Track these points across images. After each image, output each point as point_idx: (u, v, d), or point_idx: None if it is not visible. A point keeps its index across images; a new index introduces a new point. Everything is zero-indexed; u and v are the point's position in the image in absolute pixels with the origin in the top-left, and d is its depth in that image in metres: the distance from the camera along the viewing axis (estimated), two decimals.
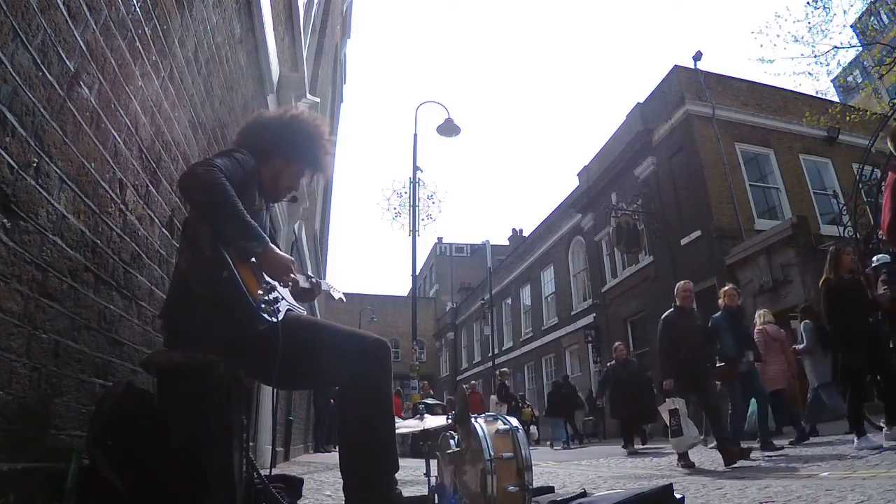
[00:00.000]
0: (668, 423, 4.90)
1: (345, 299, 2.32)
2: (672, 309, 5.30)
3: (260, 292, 1.57)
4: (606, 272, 16.38)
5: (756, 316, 7.22)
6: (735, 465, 4.42)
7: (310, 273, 2.05)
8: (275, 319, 1.55)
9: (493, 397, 11.52)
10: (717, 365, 5.53)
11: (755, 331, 7.02)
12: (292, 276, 1.71)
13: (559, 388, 13.12)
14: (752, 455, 4.80)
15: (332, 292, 2.27)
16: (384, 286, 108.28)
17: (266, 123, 1.87)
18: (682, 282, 5.49)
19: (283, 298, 1.72)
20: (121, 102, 1.67)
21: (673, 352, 5.07)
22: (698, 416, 6.90)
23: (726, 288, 5.93)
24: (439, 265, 42.11)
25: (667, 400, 4.99)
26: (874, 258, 6.31)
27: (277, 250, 1.64)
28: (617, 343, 9.65)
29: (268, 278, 1.67)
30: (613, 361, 9.13)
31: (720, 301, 5.81)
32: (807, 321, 6.80)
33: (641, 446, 8.47)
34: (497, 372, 13.12)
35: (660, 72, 45.48)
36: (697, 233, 12.25)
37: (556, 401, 12.31)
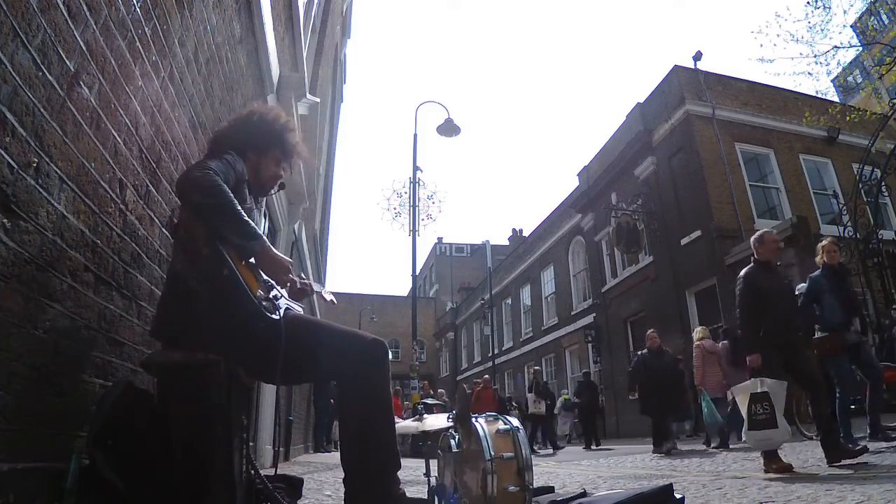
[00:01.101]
0: (746, 412, 3.80)
1: (336, 302, 2.35)
2: (753, 264, 4.22)
3: (260, 291, 1.58)
4: (606, 272, 16.39)
5: (694, 332, 8.15)
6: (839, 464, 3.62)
7: (301, 274, 2.06)
8: (276, 316, 1.56)
9: (531, 395, 11.47)
10: (818, 336, 4.60)
11: (693, 346, 7.80)
12: (290, 276, 1.72)
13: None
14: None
15: (324, 294, 2.29)
16: (384, 286, 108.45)
17: (230, 127, 1.90)
18: (767, 231, 4.40)
19: (282, 296, 1.73)
20: (121, 102, 1.67)
21: (759, 318, 3.96)
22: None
23: (824, 243, 4.91)
24: (439, 265, 42.13)
25: (751, 380, 3.90)
26: (798, 286, 6.76)
27: (274, 250, 1.65)
28: (650, 330, 8.29)
29: (266, 277, 1.68)
30: (645, 350, 7.98)
31: (818, 258, 4.87)
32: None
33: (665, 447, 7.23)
34: (532, 370, 13.19)
35: (660, 72, 45.51)
36: (697, 233, 12.26)
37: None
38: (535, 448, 11.37)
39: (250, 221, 1.55)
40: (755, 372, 3.88)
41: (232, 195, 1.51)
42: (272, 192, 2.03)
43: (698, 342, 7.81)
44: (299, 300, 1.93)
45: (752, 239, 4.33)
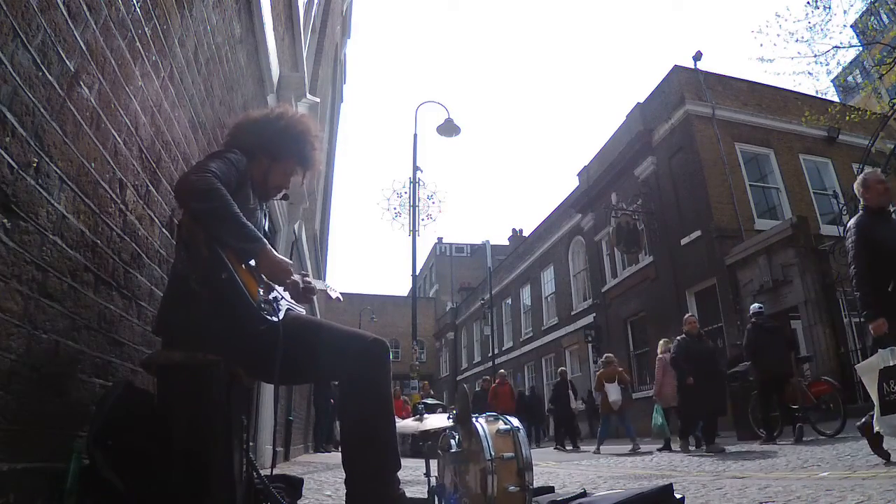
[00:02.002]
0: (877, 393, 3.10)
1: (342, 298, 2.33)
2: (862, 212, 3.65)
3: (260, 293, 1.58)
4: (606, 272, 16.38)
5: (659, 344, 8.45)
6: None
7: (303, 271, 2.05)
8: (275, 319, 1.55)
9: (571, 393, 11.37)
10: None
11: (656, 359, 8.20)
12: (292, 278, 1.71)
13: (522, 398, 13.61)
14: None
15: (329, 291, 2.28)
16: (384, 286, 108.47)
17: (253, 122, 1.87)
18: (868, 172, 3.83)
19: (282, 298, 1.72)
20: (121, 102, 1.67)
21: (880, 275, 3.32)
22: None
23: None
24: (439, 265, 42.12)
25: (878, 353, 3.19)
26: (753, 305, 7.58)
27: (275, 252, 1.64)
28: (688, 315, 7.44)
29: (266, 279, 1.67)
30: (684, 336, 7.03)
31: None
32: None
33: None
34: (559, 371, 13.00)
35: (660, 72, 45.55)
36: (697, 233, 12.26)
37: (520, 410, 12.54)
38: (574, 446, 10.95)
39: (249, 224, 1.53)
40: (879, 341, 3.26)
41: (230, 198, 1.49)
42: (274, 199, 2.01)
43: (661, 355, 8.05)
44: (302, 302, 1.92)
45: (855, 185, 3.78)
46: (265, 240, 1.62)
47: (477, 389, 12.29)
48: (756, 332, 7.02)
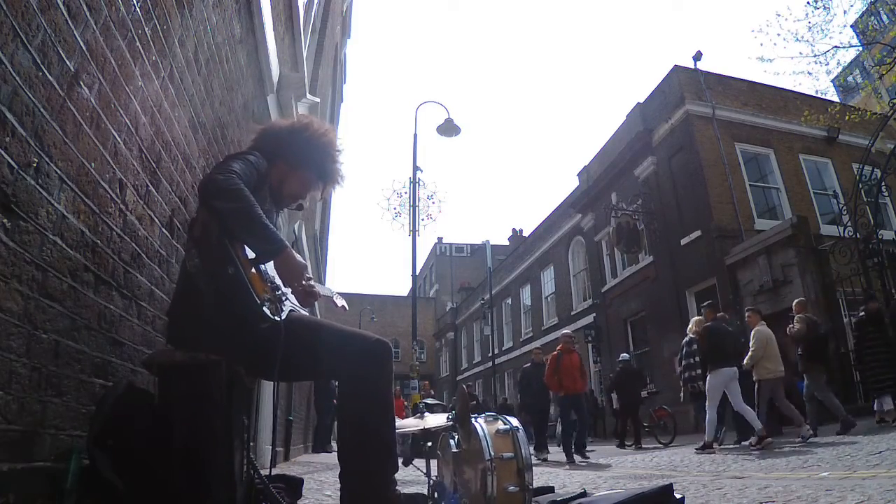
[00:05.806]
0: None
1: (347, 308, 2.32)
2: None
3: (265, 292, 1.58)
4: (606, 272, 16.38)
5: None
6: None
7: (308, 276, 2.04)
8: (278, 318, 1.55)
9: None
10: None
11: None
12: (304, 282, 1.69)
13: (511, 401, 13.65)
14: None
15: (335, 300, 2.27)
16: (384, 286, 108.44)
17: (278, 129, 1.90)
18: None
19: (286, 298, 1.72)
20: (121, 102, 1.67)
21: None
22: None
23: None
24: (439, 265, 42.11)
25: None
26: (622, 355, 10.59)
27: (295, 254, 1.63)
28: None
29: (272, 276, 1.67)
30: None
31: None
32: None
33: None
34: (623, 360, 11.29)
35: (660, 72, 45.56)
36: (697, 233, 12.26)
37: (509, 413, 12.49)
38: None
39: (271, 225, 1.54)
40: None
41: (253, 199, 1.50)
42: (287, 207, 2.00)
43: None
44: (307, 305, 1.91)
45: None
46: (286, 242, 1.62)
47: (526, 365, 9.33)
48: (620, 374, 10.35)
